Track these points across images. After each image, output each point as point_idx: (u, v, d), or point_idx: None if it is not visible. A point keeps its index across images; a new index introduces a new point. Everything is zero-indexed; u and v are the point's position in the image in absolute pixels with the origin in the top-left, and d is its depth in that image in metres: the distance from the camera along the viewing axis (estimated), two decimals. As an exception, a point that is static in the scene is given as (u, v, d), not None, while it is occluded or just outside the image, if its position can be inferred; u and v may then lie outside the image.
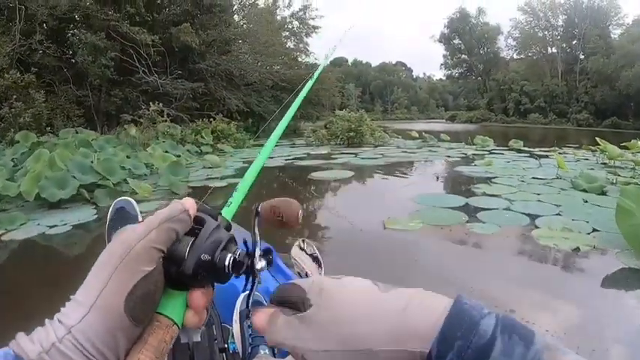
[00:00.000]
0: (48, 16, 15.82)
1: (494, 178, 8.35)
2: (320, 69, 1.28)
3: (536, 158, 11.64)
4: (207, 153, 13.80)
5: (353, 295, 0.39)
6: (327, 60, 1.61)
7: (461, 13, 62.54)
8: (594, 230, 4.88)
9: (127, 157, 9.63)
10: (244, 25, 26.42)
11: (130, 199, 1.48)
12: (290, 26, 32.15)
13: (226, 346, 1.21)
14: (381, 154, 13.09)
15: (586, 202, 6.47)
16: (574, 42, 54.42)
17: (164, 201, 3.67)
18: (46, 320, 0.38)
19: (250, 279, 0.59)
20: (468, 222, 5.13)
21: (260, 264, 0.58)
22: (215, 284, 0.50)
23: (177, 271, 0.43)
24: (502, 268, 3.87)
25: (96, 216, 5.88)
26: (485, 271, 3.82)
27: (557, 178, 8.47)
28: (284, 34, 31.15)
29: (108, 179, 6.75)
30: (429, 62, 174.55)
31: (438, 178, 9.27)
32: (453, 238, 4.57)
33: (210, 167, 9.94)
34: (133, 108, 16.19)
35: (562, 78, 53.23)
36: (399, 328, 0.35)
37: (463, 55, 65.59)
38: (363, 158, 11.87)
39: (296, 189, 8.27)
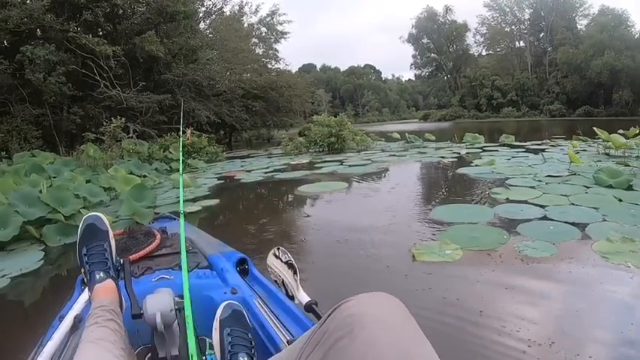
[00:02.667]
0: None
1: (506, 179, 7.40)
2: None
3: (535, 153, 11.03)
4: (177, 170, 12.57)
5: None
6: None
7: (428, 13, 62.58)
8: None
9: (87, 181, 8.40)
10: (210, 34, 25.23)
11: (99, 214, 1.50)
12: (258, 32, 31.20)
13: (204, 358, 1.33)
14: (369, 159, 12.04)
15: (620, 200, 5.62)
16: (541, 35, 54.92)
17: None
18: None
19: None
20: (512, 241, 4.09)
21: None
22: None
23: None
24: (601, 312, 2.79)
25: (42, 261, 4.66)
26: (591, 323, 2.64)
27: (573, 174, 7.63)
28: (252, 41, 30.16)
29: (59, 212, 5.52)
30: (397, 64, 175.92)
31: (444, 183, 8.15)
32: (510, 270, 3.41)
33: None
34: (95, 125, 14.82)
35: (532, 71, 53.63)
36: None
37: (432, 54, 65.74)
38: (350, 166, 10.76)
39: (285, 210, 7.10)
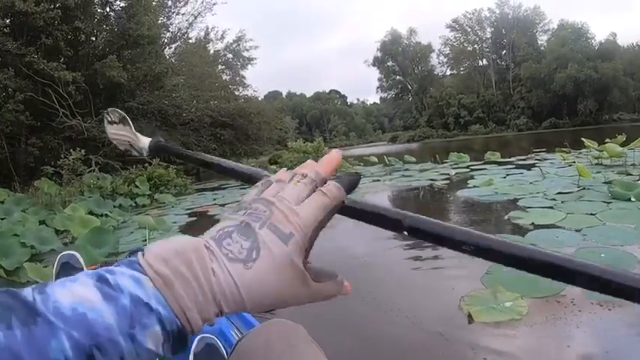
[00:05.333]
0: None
1: (516, 200, 6.67)
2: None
3: (527, 169, 10.47)
4: (143, 206, 11.51)
5: None
6: None
7: (393, 35, 63.35)
8: None
9: (41, 222, 7.31)
10: (175, 61, 24.36)
11: (73, 252, 1.51)
12: (224, 59, 30.56)
13: None
14: (352, 186, 11.21)
15: (651, 215, 4.97)
16: (504, 52, 56.25)
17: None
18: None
19: None
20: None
21: None
22: None
23: None
24: None
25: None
26: None
27: (582, 188, 7.01)
28: (219, 68, 29.48)
29: (0, 266, 4.48)
30: (362, 88, 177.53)
31: (451, 210, 7.23)
32: (598, 324, 2.61)
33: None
34: (55, 158, 13.53)
35: (496, 87, 54.67)
36: None
37: (398, 77, 66.46)
38: (332, 195, 9.84)
39: None
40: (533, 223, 5.15)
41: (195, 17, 26.37)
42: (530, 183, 8.22)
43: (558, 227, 4.90)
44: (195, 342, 1.35)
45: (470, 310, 2.92)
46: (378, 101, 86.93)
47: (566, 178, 8.26)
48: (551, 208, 5.89)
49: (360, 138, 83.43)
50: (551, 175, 8.98)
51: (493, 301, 3.05)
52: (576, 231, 4.63)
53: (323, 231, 0.46)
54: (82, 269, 1.38)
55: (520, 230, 5.03)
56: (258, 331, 0.83)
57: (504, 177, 9.57)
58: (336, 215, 0.48)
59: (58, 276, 1.42)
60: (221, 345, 1.40)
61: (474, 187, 8.52)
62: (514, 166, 11.69)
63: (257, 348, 0.78)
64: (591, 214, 5.27)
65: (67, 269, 1.44)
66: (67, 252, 1.51)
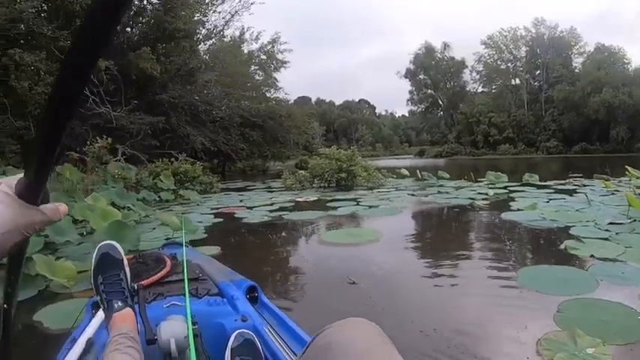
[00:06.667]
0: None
1: (566, 228, 6.14)
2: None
3: (569, 194, 10.00)
4: (167, 201, 11.19)
5: None
6: None
7: (426, 49, 62.56)
8: None
9: (60, 210, 7.01)
10: (208, 58, 24.23)
11: (113, 243, 1.51)
12: (258, 60, 30.40)
13: None
14: (386, 198, 10.68)
15: None
16: (537, 72, 55.10)
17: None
18: None
19: None
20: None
21: None
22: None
23: None
24: None
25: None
26: None
27: (633, 220, 6.48)
28: (252, 68, 29.35)
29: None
30: (391, 99, 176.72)
31: (499, 234, 6.57)
32: None
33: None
34: (81, 144, 13.31)
35: (528, 108, 53.53)
36: None
37: (429, 90, 65.52)
38: (369, 207, 9.24)
39: (313, 271, 4.88)
40: (592, 256, 4.65)
41: (232, 16, 26.24)
42: (577, 210, 7.72)
43: (619, 261, 4.46)
44: (232, 337, 1.41)
45: (553, 358, 2.45)
46: (406, 114, 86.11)
47: (613, 207, 7.84)
48: (606, 239, 5.37)
49: (386, 150, 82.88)
50: (596, 202, 8.53)
51: (573, 346, 2.58)
52: (641, 267, 4.13)
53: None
54: (121, 260, 1.48)
55: (580, 262, 4.54)
56: (337, 329, 0.84)
57: (547, 201, 9.05)
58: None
59: (97, 268, 1.44)
60: (257, 341, 1.42)
61: (518, 210, 7.99)
62: (553, 190, 11.12)
63: (337, 344, 0.79)
64: (655, 249, 4.77)
65: (107, 259, 1.45)
66: (107, 242, 1.51)
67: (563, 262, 4.59)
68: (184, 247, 2.35)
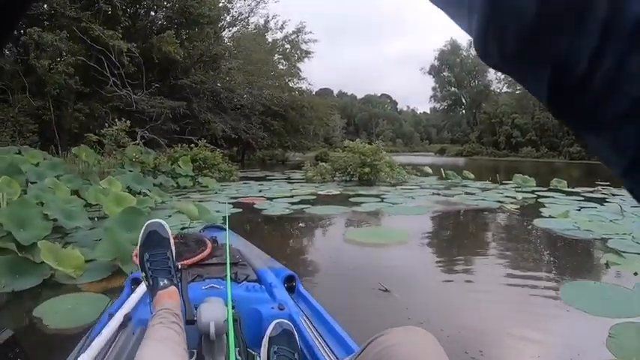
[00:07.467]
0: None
1: (603, 240, 5.75)
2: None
3: (600, 203, 9.53)
4: (185, 187, 10.98)
5: None
6: None
7: (452, 46, 61.53)
8: None
9: (74, 192, 6.80)
10: (232, 45, 24.00)
11: (161, 221, 1.51)
12: (282, 49, 30.08)
13: None
14: (410, 196, 10.32)
15: None
16: (565, 75, 53.76)
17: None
18: None
19: None
20: None
21: None
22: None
23: None
24: None
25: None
26: None
27: (670, 235, 6.08)
28: (275, 57, 29.05)
29: (14, 239, 3.89)
30: (413, 95, 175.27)
31: (535, 244, 6.19)
32: None
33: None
34: (100, 126, 13.20)
35: (552, 112, 52.31)
36: None
37: (453, 88, 64.62)
38: (393, 204, 8.98)
39: (339, 273, 4.44)
40: (636, 273, 4.27)
41: (258, 3, 25.98)
42: (611, 221, 7.28)
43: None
44: (271, 326, 1.41)
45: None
46: (427, 111, 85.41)
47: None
48: (650, 255, 4.96)
49: (406, 146, 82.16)
50: (629, 213, 8.08)
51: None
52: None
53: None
54: (168, 239, 1.48)
55: (622, 279, 4.17)
56: (395, 334, 0.86)
57: (579, 209, 8.61)
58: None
59: (143, 246, 1.45)
60: (294, 331, 1.42)
61: (550, 217, 7.59)
62: (582, 198, 10.60)
63: (395, 352, 0.80)
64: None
65: (155, 237, 1.46)
66: (155, 220, 1.52)
67: (606, 278, 4.25)
68: (228, 231, 2.44)
